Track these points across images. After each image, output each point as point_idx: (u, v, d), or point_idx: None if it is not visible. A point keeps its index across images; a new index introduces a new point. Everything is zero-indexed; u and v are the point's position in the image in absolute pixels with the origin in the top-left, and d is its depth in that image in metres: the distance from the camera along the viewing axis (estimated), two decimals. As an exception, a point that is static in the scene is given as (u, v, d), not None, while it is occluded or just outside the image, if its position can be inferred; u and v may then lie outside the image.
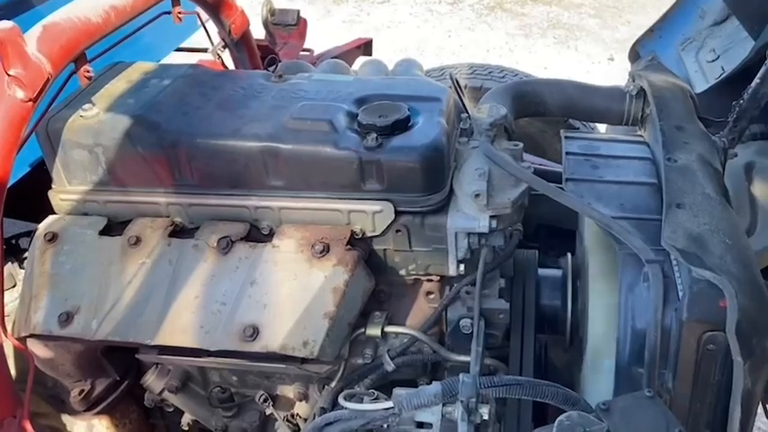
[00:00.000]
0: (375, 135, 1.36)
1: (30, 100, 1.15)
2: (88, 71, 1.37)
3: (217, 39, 2.15)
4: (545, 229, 1.97)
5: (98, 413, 1.59)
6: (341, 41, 2.85)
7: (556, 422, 1.03)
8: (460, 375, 1.15)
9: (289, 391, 1.55)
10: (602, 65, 5.92)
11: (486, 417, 1.17)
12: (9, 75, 1.12)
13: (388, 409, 1.16)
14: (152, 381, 1.56)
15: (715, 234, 1.20)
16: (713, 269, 1.13)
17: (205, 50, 2.63)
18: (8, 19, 1.19)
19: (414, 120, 1.43)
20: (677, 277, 1.20)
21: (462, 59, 5.03)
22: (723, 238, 1.19)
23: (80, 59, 1.34)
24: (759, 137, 2.10)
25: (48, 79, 1.19)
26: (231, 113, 1.49)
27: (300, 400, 1.54)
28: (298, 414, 1.57)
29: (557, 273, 1.61)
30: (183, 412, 1.63)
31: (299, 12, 2.34)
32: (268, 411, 1.56)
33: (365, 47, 2.71)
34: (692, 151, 1.40)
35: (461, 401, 1.14)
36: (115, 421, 1.64)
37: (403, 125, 1.40)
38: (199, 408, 1.61)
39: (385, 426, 1.20)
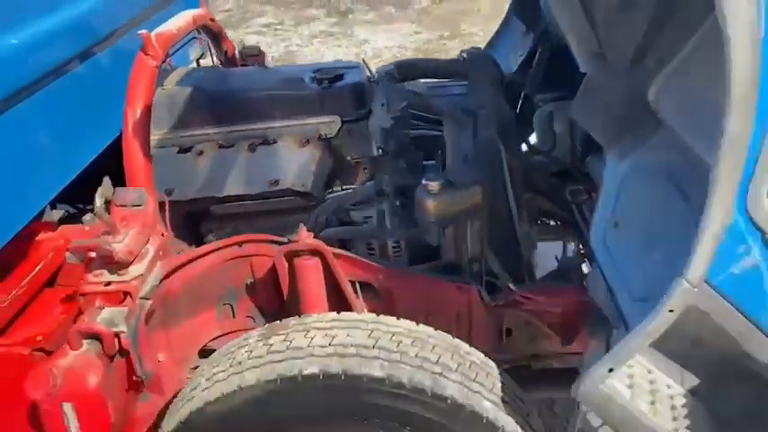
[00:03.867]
0: (327, 82, 2.63)
1: (156, 66, 2.33)
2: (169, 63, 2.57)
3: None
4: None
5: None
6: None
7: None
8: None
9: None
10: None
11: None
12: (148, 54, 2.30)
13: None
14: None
15: None
16: None
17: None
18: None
19: (345, 76, 2.71)
20: None
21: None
22: None
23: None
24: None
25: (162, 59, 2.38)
26: (246, 82, 2.72)
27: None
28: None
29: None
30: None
31: (259, 47, 3.62)
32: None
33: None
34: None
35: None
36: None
37: (340, 78, 2.68)
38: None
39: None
